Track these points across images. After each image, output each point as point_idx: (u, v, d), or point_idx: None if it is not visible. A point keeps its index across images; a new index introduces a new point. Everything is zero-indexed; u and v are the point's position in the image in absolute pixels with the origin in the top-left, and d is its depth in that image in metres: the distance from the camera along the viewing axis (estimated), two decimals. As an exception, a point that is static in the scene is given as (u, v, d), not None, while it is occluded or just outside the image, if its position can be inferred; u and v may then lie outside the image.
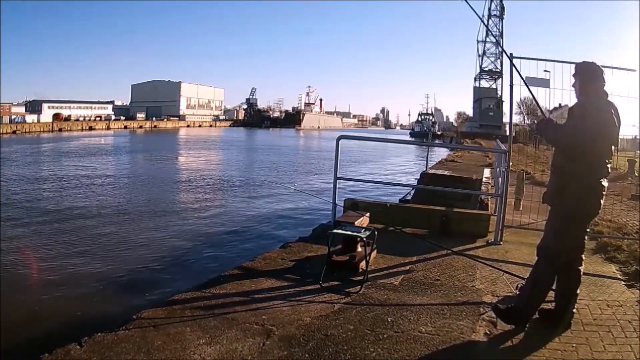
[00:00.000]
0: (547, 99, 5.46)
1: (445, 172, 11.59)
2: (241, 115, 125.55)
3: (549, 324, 3.17)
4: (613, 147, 3.11)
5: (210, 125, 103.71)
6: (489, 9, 72.62)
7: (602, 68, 3.24)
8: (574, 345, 2.91)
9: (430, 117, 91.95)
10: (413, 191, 10.33)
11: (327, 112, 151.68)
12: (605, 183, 3.08)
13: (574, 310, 3.23)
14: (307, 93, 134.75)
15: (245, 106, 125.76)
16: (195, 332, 2.88)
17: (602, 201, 3.11)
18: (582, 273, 3.25)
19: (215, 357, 2.61)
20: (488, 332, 3.07)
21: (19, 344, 4.88)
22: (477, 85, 75.42)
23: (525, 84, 4.14)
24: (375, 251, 4.50)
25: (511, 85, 5.39)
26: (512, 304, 3.28)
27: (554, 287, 3.26)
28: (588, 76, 3.18)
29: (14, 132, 54.34)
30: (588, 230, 3.31)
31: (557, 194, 3.12)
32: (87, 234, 10.16)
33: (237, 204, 14.81)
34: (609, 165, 3.08)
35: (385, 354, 2.73)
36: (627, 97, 5.13)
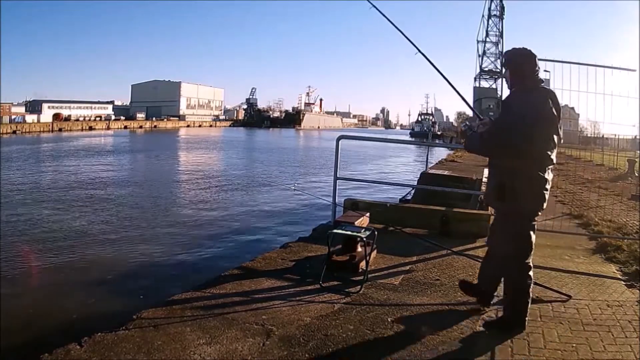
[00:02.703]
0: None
1: (445, 172, 11.60)
2: (241, 115, 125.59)
3: (502, 325, 3.12)
4: (556, 137, 2.96)
5: (210, 125, 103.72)
6: (489, 9, 72.65)
7: (533, 52, 3.03)
8: (574, 345, 2.91)
9: (430, 117, 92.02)
10: (413, 191, 10.32)
11: (327, 112, 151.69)
12: (548, 175, 2.96)
13: (527, 311, 3.12)
14: (307, 93, 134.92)
15: (245, 106, 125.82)
16: (195, 332, 2.88)
17: (546, 194, 2.98)
18: (532, 268, 3.13)
19: (215, 357, 2.61)
20: (488, 333, 3.06)
21: (19, 344, 4.88)
22: (477, 85, 75.38)
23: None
24: (375, 251, 4.49)
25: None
26: (501, 315, 3.22)
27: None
28: (520, 65, 3.02)
29: (14, 132, 54.36)
30: (534, 224, 3.12)
31: (498, 193, 2.99)
32: (87, 234, 10.16)
33: (237, 203, 14.80)
34: (552, 157, 2.96)
35: (385, 353, 2.72)
36: (627, 97, 5.14)
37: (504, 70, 3.14)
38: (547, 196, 3.00)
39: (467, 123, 3.19)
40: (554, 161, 3.00)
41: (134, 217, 12.12)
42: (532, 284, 3.13)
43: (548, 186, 2.98)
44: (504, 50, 3.35)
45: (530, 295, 3.13)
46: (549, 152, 2.94)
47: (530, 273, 3.10)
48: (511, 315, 3.12)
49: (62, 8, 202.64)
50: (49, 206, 13.16)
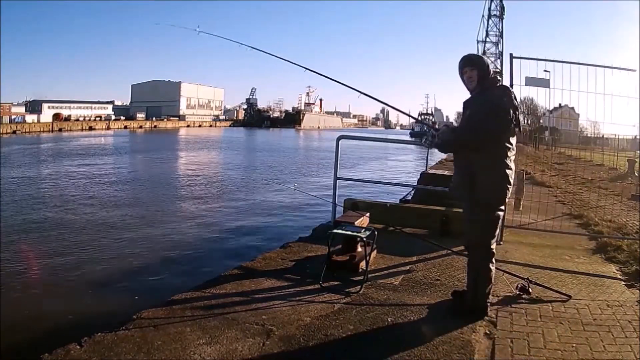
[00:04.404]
0: (547, 99, 5.46)
1: (445, 172, 11.57)
2: (241, 115, 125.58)
3: (464, 309, 3.28)
4: (517, 129, 3.18)
5: (210, 125, 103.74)
6: (489, 9, 72.50)
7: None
8: (574, 345, 2.91)
9: (430, 117, 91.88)
10: (413, 191, 10.32)
11: (327, 112, 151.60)
12: (512, 165, 3.17)
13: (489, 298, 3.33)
14: (307, 93, 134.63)
15: (245, 106, 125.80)
16: (195, 332, 2.88)
17: (510, 184, 3.18)
18: (494, 255, 3.32)
19: (215, 357, 2.61)
20: (488, 332, 3.06)
21: (19, 344, 4.88)
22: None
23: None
24: (375, 251, 4.50)
25: (511, 85, 5.38)
26: (464, 301, 3.36)
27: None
28: (487, 68, 3.27)
29: (14, 132, 54.37)
30: (501, 213, 3.36)
31: (466, 184, 3.20)
32: (88, 234, 10.15)
33: (237, 204, 14.80)
34: (514, 147, 3.19)
35: (385, 353, 2.73)
36: (627, 97, 5.14)
37: (469, 72, 3.28)
38: (510, 185, 3.20)
39: (433, 132, 3.42)
40: (514, 151, 3.24)
41: (133, 217, 12.12)
42: (494, 271, 3.33)
43: (512, 176, 3.19)
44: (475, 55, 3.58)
45: (492, 282, 3.31)
46: (511, 145, 3.18)
47: (493, 260, 3.31)
48: (473, 301, 3.27)
49: (62, 8, 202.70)
50: (49, 206, 13.16)
